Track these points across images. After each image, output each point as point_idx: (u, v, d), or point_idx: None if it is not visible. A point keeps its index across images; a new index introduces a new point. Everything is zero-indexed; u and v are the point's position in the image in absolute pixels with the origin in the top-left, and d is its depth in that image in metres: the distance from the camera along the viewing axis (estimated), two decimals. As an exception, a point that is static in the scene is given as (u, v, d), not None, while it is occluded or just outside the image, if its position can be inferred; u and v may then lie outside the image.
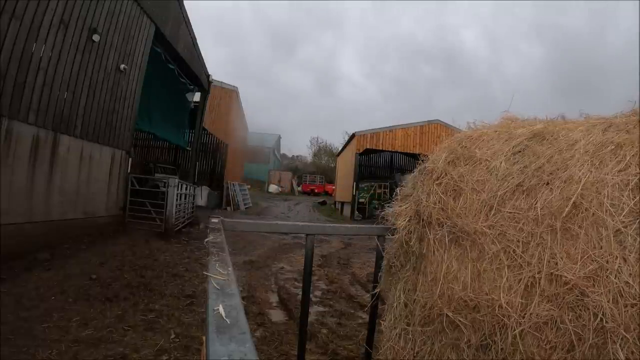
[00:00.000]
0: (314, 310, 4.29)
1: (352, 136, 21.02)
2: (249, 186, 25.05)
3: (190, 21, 10.79)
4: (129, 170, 8.60)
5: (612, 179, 1.30)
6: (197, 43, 11.61)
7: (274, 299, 4.85)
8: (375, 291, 2.18)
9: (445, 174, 1.81)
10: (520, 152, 1.68)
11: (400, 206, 2.00)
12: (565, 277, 1.25)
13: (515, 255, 1.41)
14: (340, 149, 30.30)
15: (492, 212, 1.54)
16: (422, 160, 2.02)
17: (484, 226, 1.53)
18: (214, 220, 1.82)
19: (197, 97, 13.65)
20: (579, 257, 1.25)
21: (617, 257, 1.18)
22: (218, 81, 16.05)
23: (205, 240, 1.35)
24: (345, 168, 23.62)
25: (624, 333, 1.10)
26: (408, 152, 20.47)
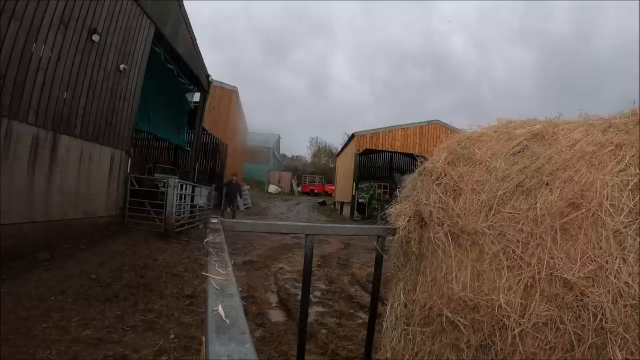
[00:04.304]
0: (314, 310, 4.29)
1: (352, 136, 21.03)
2: (248, 186, 25.05)
3: (190, 22, 10.80)
4: (128, 171, 8.60)
5: (612, 179, 1.30)
6: (197, 43, 11.60)
7: (273, 299, 4.85)
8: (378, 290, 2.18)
9: (445, 174, 1.81)
10: (519, 152, 1.68)
11: (400, 206, 2.00)
12: (565, 277, 1.25)
13: (515, 255, 1.41)
14: (339, 149, 30.31)
15: (492, 212, 1.54)
16: (422, 161, 2.02)
17: (483, 226, 1.53)
18: (214, 220, 1.82)
19: (196, 97, 13.65)
20: (579, 258, 1.25)
21: (616, 257, 1.18)
22: (218, 81, 16.05)
23: (205, 240, 1.35)
24: (344, 168, 23.62)
25: (624, 333, 1.10)
26: (407, 152, 20.49)
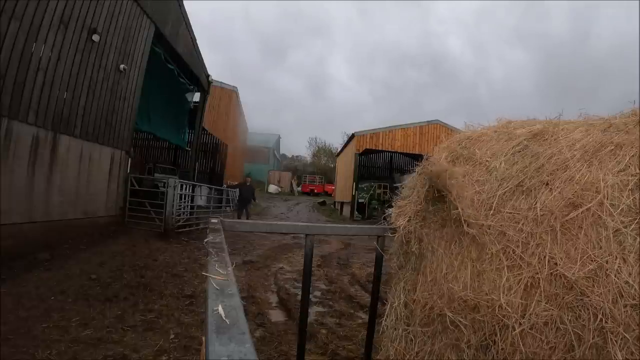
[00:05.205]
0: (314, 310, 4.29)
1: (352, 136, 21.04)
2: (248, 186, 25.00)
3: (190, 22, 10.80)
4: (128, 171, 8.60)
5: (612, 179, 1.29)
6: (197, 43, 11.61)
7: (273, 299, 4.84)
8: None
9: (445, 174, 1.80)
10: (520, 152, 1.67)
11: (400, 206, 2.00)
12: (565, 277, 1.25)
13: (515, 255, 1.40)
14: (339, 149, 30.32)
15: (492, 212, 1.54)
16: (422, 161, 2.02)
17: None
18: (214, 220, 1.82)
19: (196, 97, 13.65)
20: (579, 257, 1.24)
21: (616, 257, 1.18)
22: (218, 81, 16.06)
23: (205, 240, 1.35)
24: (344, 168, 23.62)
25: (624, 333, 1.09)
26: (408, 152, 20.50)
